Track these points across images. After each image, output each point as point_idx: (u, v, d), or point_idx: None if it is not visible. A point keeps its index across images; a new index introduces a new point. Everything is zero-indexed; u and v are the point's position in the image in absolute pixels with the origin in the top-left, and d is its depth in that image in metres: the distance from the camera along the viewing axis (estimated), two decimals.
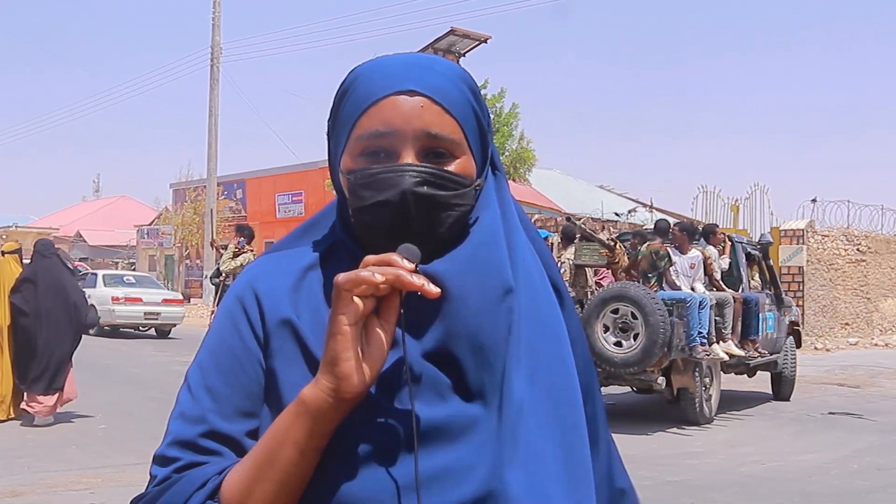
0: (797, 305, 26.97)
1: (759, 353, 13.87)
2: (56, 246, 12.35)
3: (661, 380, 12.02)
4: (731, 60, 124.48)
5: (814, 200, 29.70)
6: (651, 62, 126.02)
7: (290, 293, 1.44)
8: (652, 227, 14.57)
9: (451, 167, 1.38)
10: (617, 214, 33.64)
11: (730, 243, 14.30)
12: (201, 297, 41.71)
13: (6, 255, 11.84)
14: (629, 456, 8.87)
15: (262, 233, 44.63)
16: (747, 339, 13.61)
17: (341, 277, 1.24)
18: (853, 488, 8.93)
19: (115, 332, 26.40)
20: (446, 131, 1.38)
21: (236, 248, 15.59)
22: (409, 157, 1.36)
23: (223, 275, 14.95)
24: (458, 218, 1.38)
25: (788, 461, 10.22)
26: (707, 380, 12.64)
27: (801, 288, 27.16)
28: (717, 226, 15.57)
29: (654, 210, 36.52)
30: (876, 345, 27.63)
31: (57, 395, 11.26)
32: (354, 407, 1.29)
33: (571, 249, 13.85)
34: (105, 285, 26.81)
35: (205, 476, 1.34)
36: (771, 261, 15.94)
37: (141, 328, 27.51)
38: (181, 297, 31.09)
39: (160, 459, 1.39)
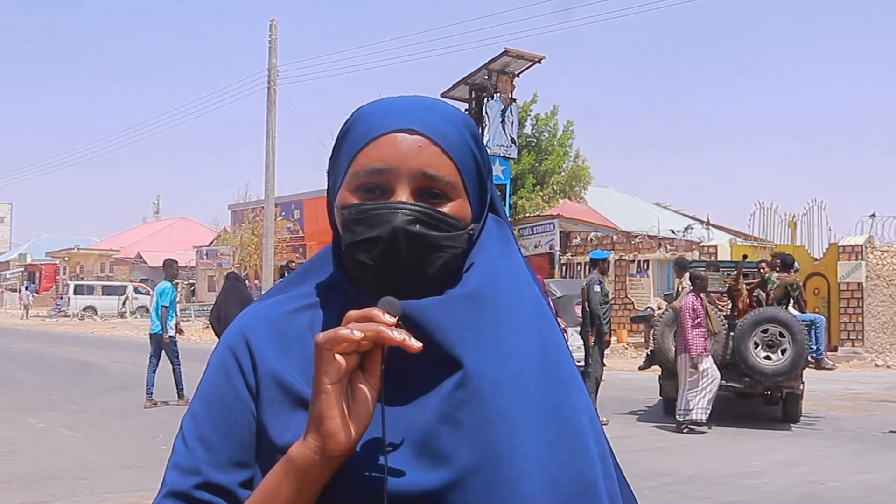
0: (857, 321, 26.91)
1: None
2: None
3: (803, 385, 14.51)
4: (788, 75, 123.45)
5: (873, 216, 29.34)
6: (706, 78, 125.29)
7: (282, 341, 1.45)
8: (770, 258, 17.05)
9: (446, 209, 1.38)
10: (673, 232, 33.51)
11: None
12: None
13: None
14: (688, 476, 8.82)
15: None
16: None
17: (320, 337, 1.24)
18: None
19: None
20: (443, 172, 1.38)
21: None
22: (403, 195, 1.36)
23: None
24: (449, 260, 1.38)
25: (848, 481, 10.13)
26: (804, 385, 14.85)
27: (860, 304, 26.84)
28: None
29: (710, 227, 36.33)
30: None
31: None
32: (343, 463, 1.28)
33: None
34: None
35: None
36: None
37: None
38: None
39: None
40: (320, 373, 1.24)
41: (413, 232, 1.34)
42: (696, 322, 13.22)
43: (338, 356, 1.23)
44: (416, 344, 1.24)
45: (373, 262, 1.35)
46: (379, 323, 1.24)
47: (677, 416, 13.35)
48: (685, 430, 13.12)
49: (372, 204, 1.36)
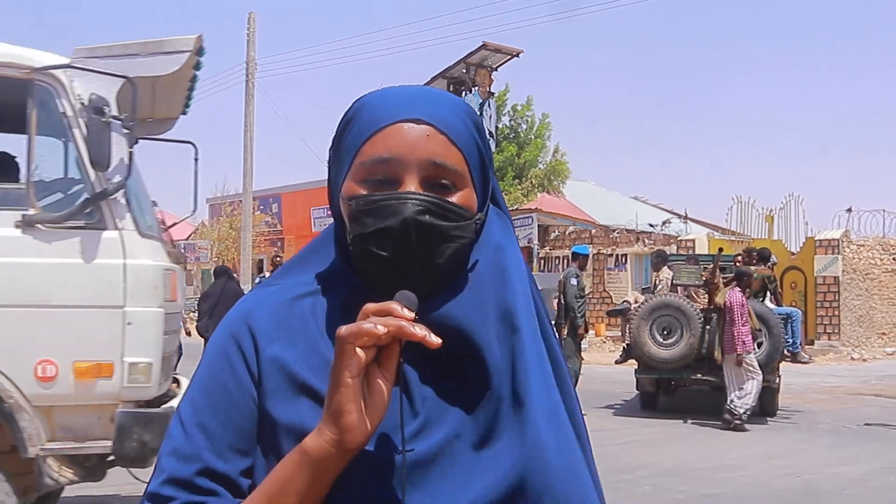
0: (834, 315, 27.08)
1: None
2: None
3: (779, 379, 14.64)
4: (765, 71, 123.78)
5: (849, 210, 29.56)
6: (684, 73, 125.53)
7: (286, 329, 1.44)
8: (745, 252, 17.25)
9: (454, 198, 1.38)
10: (651, 225, 33.61)
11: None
12: None
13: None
14: (665, 469, 8.84)
15: (298, 246, 44.85)
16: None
17: (343, 330, 1.24)
18: (890, 501, 8.95)
19: None
20: (451, 162, 1.38)
21: None
22: (412, 185, 1.36)
23: None
24: (458, 250, 1.38)
25: (824, 473, 10.21)
26: (780, 378, 15.05)
27: (836, 298, 27.03)
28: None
29: (688, 221, 36.47)
30: None
31: None
32: (356, 456, 1.29)
33: (667, 270, 16.09)
34: None
35: None
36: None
37: None
38: None
39: (155, 498, 1.38)
40: (342, 366, 1.24)
41: (423, 222, 1.33)
42: (743, 320, 13.07)
43: (358, 350, 1.24)
44: (435, 340, 1.25)
45: (385, 253, 1.35)
46: (399, 317, 1.25)
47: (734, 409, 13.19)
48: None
49: (381, 195, 1.36)
